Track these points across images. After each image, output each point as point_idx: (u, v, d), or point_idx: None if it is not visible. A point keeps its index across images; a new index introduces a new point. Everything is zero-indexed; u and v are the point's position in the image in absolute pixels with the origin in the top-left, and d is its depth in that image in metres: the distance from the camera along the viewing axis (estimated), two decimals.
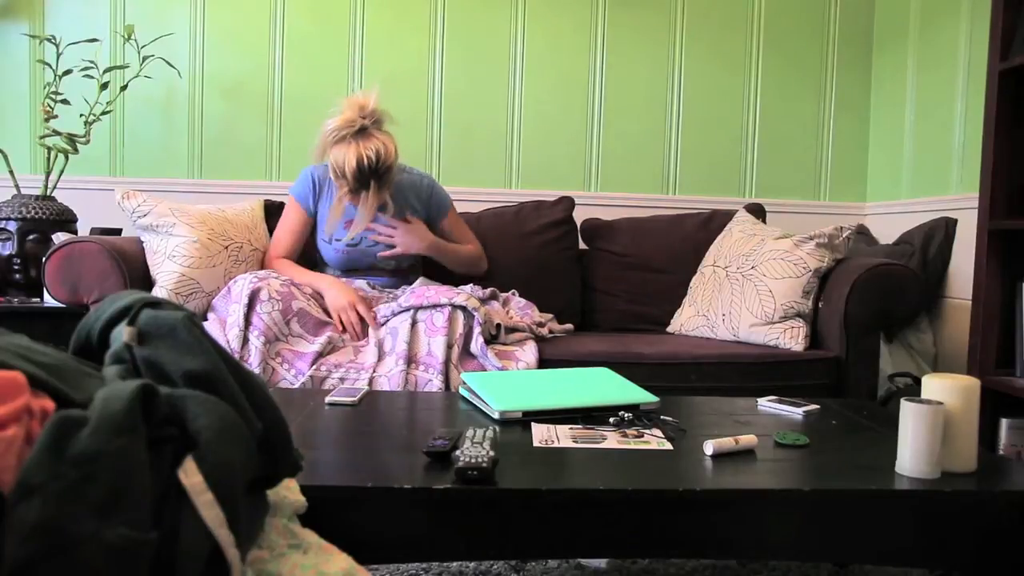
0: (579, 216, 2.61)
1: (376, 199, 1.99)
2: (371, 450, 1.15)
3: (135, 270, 1.94)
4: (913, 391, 2.21)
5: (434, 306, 1.83)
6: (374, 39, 2.77)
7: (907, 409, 1.08)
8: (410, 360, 1.77)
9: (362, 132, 1.96)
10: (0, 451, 0.55)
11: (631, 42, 2.84)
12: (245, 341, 1.75)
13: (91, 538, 0.53)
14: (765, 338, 2.05)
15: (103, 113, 2.50)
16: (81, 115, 2.47)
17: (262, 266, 2.14)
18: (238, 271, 2.03)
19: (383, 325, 1.88)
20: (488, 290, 2.15)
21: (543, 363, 1.88)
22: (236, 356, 1.72)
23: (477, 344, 1.82)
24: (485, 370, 1.80)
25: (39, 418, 0.59)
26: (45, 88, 2.52)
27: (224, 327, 1.80)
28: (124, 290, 1.56)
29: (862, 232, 2.81)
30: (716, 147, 2.91)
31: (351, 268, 2.16)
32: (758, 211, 2.53)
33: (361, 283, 2.08)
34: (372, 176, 1.96)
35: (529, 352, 1.90)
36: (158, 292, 1.93)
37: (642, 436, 1.23)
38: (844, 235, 2.06)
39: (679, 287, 2.41)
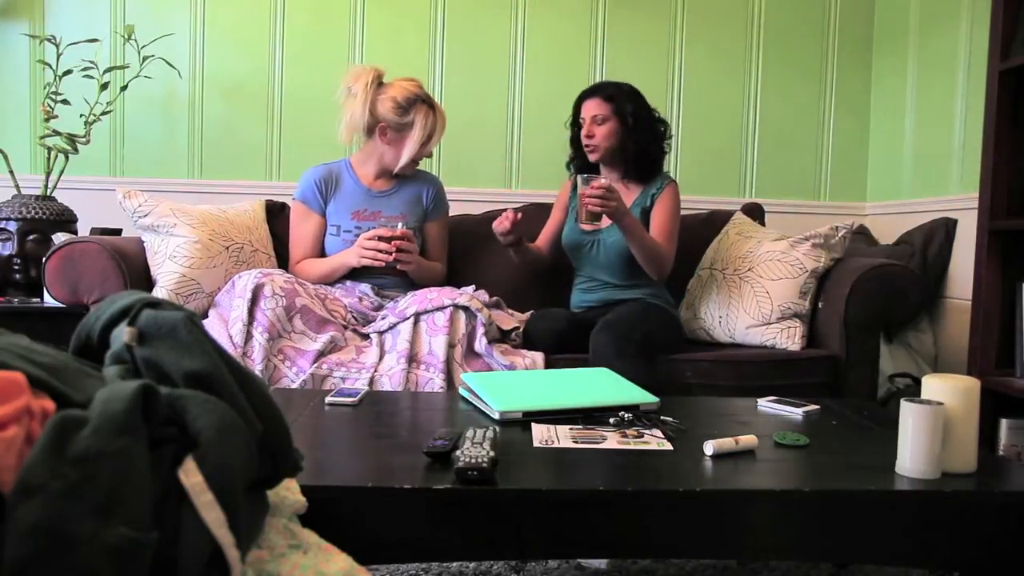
0: None
1: (441, 117, 2.12)
2: (371, 450, 1.15)
3: (135, 270, 1.94)
4: (913, 391, 2.22)
5: (437, 307, 1.84)
6: (374, 39, 2.77)
7: (907, 409, 1.08)
8: (411, 359, 1.77)
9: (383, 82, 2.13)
10: (0, 451, 0.55)
11: (631, 42, 2.84)
12: (249, 337, 1.75)
13: (91, 538, 0.53)
14: (762, 339, 2.05)
15: (103, 113, 2.50)
16: (81, 115, 2.47)
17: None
18: (239, 271, 2.02)
19: (387, 331, 1.87)
20: (494, 299, 2.14)
21: (548, 363, 1.88)
22: (239, 352, 1.73)
23: (481, 343, 1.82)
24: (491, 369, 1.80)
25: (39, 418, 0.59)
26: (45, 88, 2.52)
27: (226, 324, 1.79)
28: (124, 290, 1.56)
29: (862, 232, 2.81)
30: (715, 147, 2.91)
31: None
32: (757, 211, 2.52)
33: (365, 287, 2.08)
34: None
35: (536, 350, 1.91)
36: (158, 292, 1.92)
37: (642, 436, 1.23)
38: (840, 234, 2.06)
39: (677, 288, 2.40)
